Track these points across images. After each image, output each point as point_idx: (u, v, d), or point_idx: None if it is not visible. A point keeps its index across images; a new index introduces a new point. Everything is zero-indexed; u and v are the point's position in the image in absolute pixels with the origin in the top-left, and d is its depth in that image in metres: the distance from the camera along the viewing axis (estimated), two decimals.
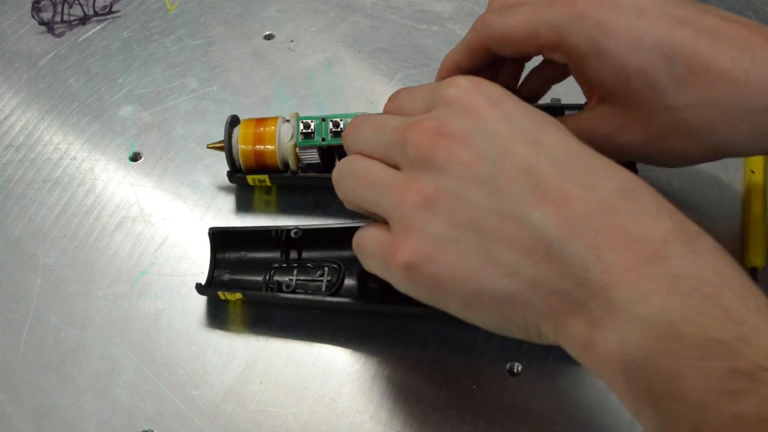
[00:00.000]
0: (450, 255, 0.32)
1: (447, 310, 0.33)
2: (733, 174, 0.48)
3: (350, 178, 0.36)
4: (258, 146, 0.46)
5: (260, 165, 0.46)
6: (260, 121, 0.46)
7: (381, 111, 0.39)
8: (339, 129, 0.45)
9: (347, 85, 0.53)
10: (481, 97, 0.33)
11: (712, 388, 0.27)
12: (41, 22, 0.57)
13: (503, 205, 0.31)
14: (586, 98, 0.41)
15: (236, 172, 0.47)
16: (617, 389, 0.30)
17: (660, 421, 0.29)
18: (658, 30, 0.35)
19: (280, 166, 0.46)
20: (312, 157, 0.46)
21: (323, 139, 0.45)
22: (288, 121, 0.46)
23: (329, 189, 0.47)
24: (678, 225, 0.30)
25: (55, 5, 0.57)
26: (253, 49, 0.56)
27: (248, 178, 0.47)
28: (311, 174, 0.46)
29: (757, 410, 0.26)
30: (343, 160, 0.37)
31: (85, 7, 0.58)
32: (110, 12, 0.58)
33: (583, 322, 0.30)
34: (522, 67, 0.43)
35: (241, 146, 0.46)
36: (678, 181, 0.47)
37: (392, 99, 0.38)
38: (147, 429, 0.40)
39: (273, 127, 0.46)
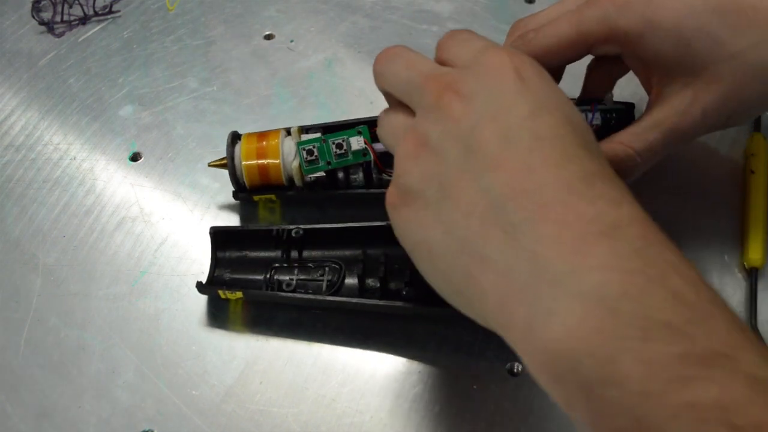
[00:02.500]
0: (415, 204, 0.32)
1: (414, 261, 0.33)
2: (733, 174, 0.48)
3: (381, 125, 0.38)
4: (261, 161, 0.44)
5: (264, 180, 0.45)
6: (261, 136, 0.45)
7: (380, 112, 0.39)
8: (343, 150, 0.43)
9: (347, 85, 0.53)
10: (509, 66, 0.32)
11: (656, 374, 0.24)
12: (41, 22, 0.57)
13: (467, 164, 0.31)
14: (646, 89, 0.41)
15: (241, 192, 0.46)
16: (542, 380, 0.27)
17: (594, 414, 0.25)
18: None
19: (285, 182, 0.45)
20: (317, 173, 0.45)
21: (329, 163, 0.44)
22: (289, 134, 0.45)
23: (334, 202, 0.47)
24: (638, 213, 0.28)
25: (55, 5, 0.57)
26: (253, 49, 0.56)
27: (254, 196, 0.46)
28: (318, 192, 0.45)
29: (718, 398, 0.23)
30: (383, 112, 0.38)
31: (85, 7, 0.58)
32: (110, 12, 0.58)
33: (502, 293, 0.28)
34: (562, 70, 0.43)
35: (245, 162, 0.44)
36: (677, 180, 0.47)
37: (452, 36, 0.37)
38: (147, 429, 0.40)
39: (275, 141, 0.44)
